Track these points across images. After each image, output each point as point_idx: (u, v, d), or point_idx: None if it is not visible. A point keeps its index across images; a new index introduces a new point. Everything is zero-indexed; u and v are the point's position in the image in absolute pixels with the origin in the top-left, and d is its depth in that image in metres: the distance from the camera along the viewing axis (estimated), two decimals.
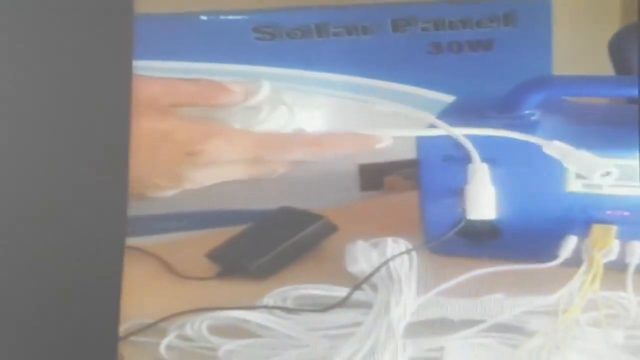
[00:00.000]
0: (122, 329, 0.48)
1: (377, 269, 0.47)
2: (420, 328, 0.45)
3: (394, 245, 0.50)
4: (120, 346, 0.44)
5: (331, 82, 0.70)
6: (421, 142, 0.55)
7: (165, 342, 0.46)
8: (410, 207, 0.56)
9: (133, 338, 0.47)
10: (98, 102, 0.32)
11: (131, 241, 0.57)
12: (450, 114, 0.57)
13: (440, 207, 0.54)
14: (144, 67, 0.64)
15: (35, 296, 0.35)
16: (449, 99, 0.69)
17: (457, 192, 0.52)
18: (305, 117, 0.46)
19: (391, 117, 0.60)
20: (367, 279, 0.48)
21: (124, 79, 0.31)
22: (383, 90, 0.72)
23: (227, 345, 0.45)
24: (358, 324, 0.45)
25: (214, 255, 0.57)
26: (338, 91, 0.70)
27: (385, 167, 0.73)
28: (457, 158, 0.52)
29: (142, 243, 0.59)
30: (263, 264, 0.55)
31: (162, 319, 0.48)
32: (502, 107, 0.54)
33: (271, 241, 0.56)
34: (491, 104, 0.55)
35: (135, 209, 0.61)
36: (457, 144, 0.50)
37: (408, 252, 0.49)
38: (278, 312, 0.47)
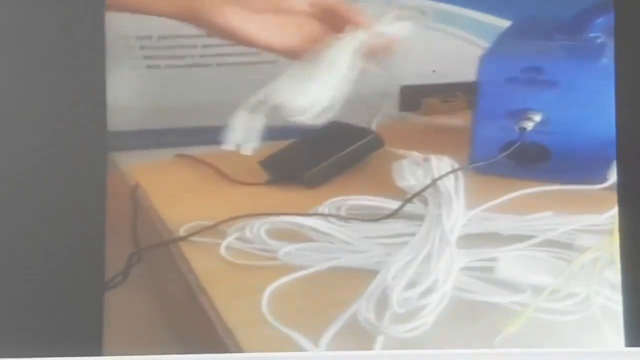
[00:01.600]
0: (184, 229, 0.50)
1: (431, 184, 0.49)
2: (471, 240, 0.47)
3: (439, 163, 0.51)
4: (182, 245, 0.47)
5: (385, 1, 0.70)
6: (485, 61, 0.55)
7: (225, 243, 0.48)
8: (449, 129, 0.57)
9: (194, 238, 0.49)
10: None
11: (184, 150, 0.59)
12: (511, 37, 0.57)
13: (495, 128, 0.55)
14: None
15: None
16: (502, 22, 0.69)
17: (515, 113, 0.54)
18: None
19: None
20: (420, 192, 0.49)
21: None
22: (436, 12, 0.72)
23: (285, 248, 0.47)
24: (411, 234, 0.46)
25: (267, 163, 0.58)
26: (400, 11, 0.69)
27: (425, 89, 0.73)
28: (521, 80, 0.53)
29: (195, 152, 0.60)
30: (314, 173, 0.56)
31: (222, 222, 0.49)
32: (568, 30, 0.55)
33: (322, 152, 0.57)
34: (555, 27, 0.56)
35: (187, 120, 0.63)
36: (523, 67, 0.51)
37: (459, 169, 0.50)
38: (333, 219, 0.49)
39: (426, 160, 0.52)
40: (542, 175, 0.54)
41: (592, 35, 0.55)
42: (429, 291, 0.42)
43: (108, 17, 0.58)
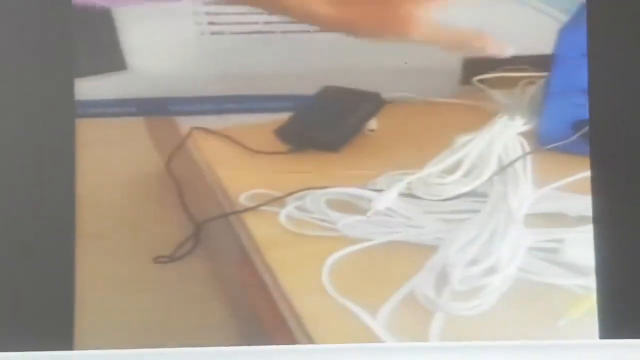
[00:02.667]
0: (243, 197, 0.50)
1: (503, 169, 0.47)
2: (537, 220, 0.45)
3: (508, 137, 0.50)
4: (242, 216, 0.46)
5: None
6: (563, 35, 0.53)
7: (285, 211, 0.48)
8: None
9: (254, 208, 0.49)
10: None
11: (196, 120, 0.59)
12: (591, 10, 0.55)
13: (566, 104, 0.53)
14: None
15: None
16: None
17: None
18: None
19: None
20: (497, 173, 0.48)
21: None
22: None
23: (345, 219, 0.46)
24: (475, 211, 0.45)
25: (282, 133, 0.57)
26: None
27: (488, 62, 0.72)
28: None
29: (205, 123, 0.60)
30: (334, 136, 0.56)
31: (289, 193, 0.49)
32: None
33: (333, 116, 0.57)
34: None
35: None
36: None
37: (531, 153, 0.49)
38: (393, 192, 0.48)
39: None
40: None
41: None
42: (491, 270, 0.41)
43: None
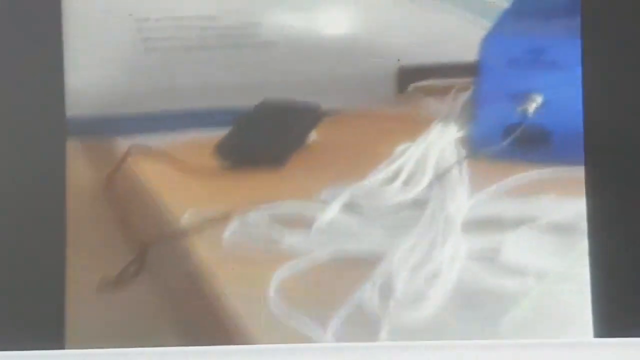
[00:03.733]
0: (185, 216, 0.50)
1: (442, 174, 0.48)
2: (475, 225, 0.47)
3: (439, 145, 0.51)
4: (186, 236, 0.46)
5: None
6: (486, 43, 0.55)
7: (228, 230, 0.48)
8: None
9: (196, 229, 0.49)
10: None
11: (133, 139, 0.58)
12: (512, 17, 0.57)
13: (495, 110, 0.54)
14: None
15: None
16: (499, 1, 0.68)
17: (517, 96, 0.53)
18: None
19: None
20: (441, 176, 0.48)
21: None
22: None
23: (290, 235, 0.47)
24: (416, 220, 0.46)
25: (223, 149, 0.57)
26: None
27: (424, 70, 0.73)
28: (523, 61, 0.52)
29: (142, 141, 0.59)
30: (277, 152, 0.56)
31: (230, 210, 0.49)
32: (568, 10, 0.54)
33: (273, 131, 0.57)
34: (555, 6, 0.55)
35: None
36: (524, 47, 0.51)
37: (464, 159, 0.50)
38: (335, 205, 0.49)
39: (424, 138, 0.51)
40: (542, 157, 0.54)
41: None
42: (434, 277, 0.42)
43: None
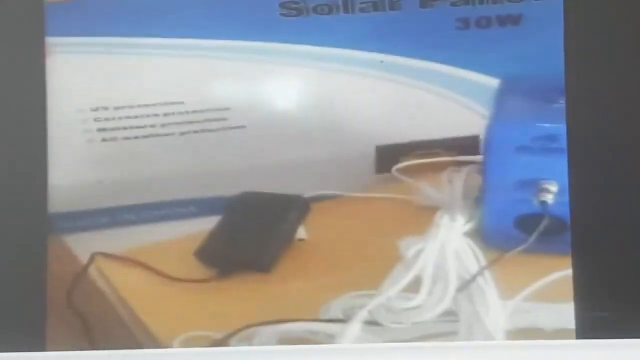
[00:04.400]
0: (176, 343, 0.44)
1: (469, 282, 0.44)
2: (514, 337, 0.42)
3: (456, 242, 0.47)
4: None
5: (357, 59, 0.67)
6: (493, 129, 0.51)
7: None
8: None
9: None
10: None
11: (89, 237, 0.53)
12: (508, 99, 0.54)
13: (507, 200, 0.51)
14: (166, 45, 0.59)
15: None
16: (478, 77, 0.66)
17: (528, 184, 0.50)
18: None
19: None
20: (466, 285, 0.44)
21: None
22: (410, 69, 0.69)
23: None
24: (448, 334, 0.41)
25: (205, 255, 0.51)
26: (367, 70, 0.67)
27: (402, 148, 0.70)
28: (533, 149, 0.49)
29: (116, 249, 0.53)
30: (265, 255, 0.50)
31: (230, 334, 0.43)
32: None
33: (258, 229, 0.52)
34: (549, 87, 0.53)
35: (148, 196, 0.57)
36: (533, 135, 0.48)
37: (489, 265, 0.46)
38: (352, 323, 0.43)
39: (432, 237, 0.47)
40: (559, 248, 0.50)
41: None
42: None
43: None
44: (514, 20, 0.69)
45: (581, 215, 0.49)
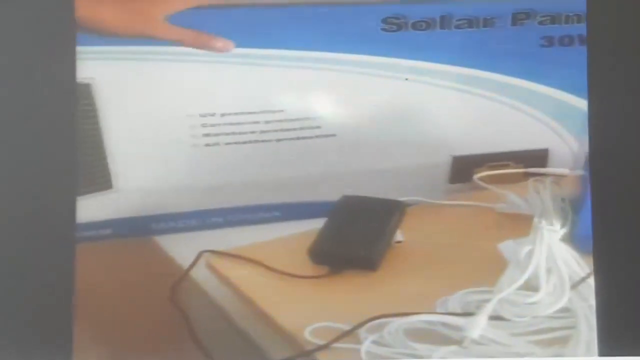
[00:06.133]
0: (307, 332, 0.46)
1: (581, 281, 0.46)
2: None
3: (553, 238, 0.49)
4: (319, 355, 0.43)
5: (447, 73, 0.69)
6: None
7: (364, 347, 0.45)
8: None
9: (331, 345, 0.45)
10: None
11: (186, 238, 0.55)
12: None
13: None
14: (271, 56, 0.62)
15: None
16: (558, 94, 0.69)
17: None
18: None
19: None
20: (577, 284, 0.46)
21: None
22: (495, 84, 0.72)
23: (439, 352, 0.44)
24: (566, 328, 0.44)
25: (317, 253, 0.54)
26: (454, 83, 0.70)
27: (477, 159, 0.72)
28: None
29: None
30: (374, 254, 0.53)
31: (360, 324, 0.46)
32: None
33: (364, 230, 0.55)
34: None
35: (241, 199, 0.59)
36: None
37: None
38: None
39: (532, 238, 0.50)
40: None
41: None
42: None
43: None
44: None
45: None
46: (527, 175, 0.62)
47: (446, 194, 0.65)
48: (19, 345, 0.48)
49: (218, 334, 0.50)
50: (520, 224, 0.52)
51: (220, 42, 0.53)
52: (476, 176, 0.64)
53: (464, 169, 0.73)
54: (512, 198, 0.59)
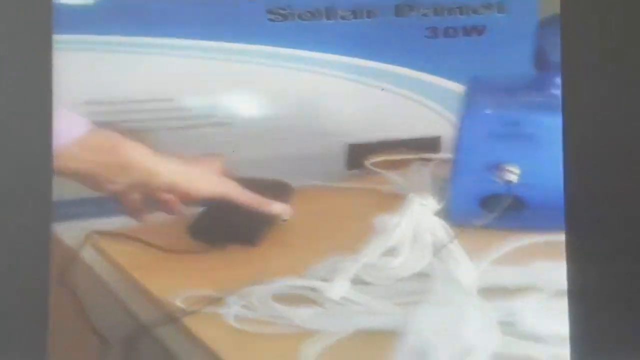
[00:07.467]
0: (179, 300, 0.47)
1: (443, 247, 0.49)
2: (488, 294, 0.47)
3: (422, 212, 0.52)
4: (185, 322, 0.44)
5: (336, 63, 0.72)
6: (467, 115, 0.57)
7: (233, 312, 0.46)
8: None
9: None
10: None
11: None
12: (478, 94, 0.60)
13: (473, 181, 0.56)
14: (159, 44, 0.63)
15: None
16: (445, 82, 0.72)
17: (493, 166, 0.55)
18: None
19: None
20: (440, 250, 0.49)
21: None
22: (383, 73, 0.74)
23: (302, 313, 0.45)
24: (424, 292, 0.46)
25: (196, 230, 0.55)
26: (343, 73, 0.72)
27: (373, 146, 0.75)
28: (503, 135, 0.55)
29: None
30: (254, 229, 0.55)
31: (227, 291, 0.47)
32: (532, 87, 0.58)
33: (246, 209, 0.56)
34: (517, 85, 0.58)
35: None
36: (505, 122, 0.53)
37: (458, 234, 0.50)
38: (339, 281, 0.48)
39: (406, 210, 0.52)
40: (517, 224, 0.56)
41: (553, 92, 0.58)
42: (470, 348, 0.41)
43: None
44: (479, 30, 0.76)
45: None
46: (422, 161, 0.64)
47: (343, 179, 0.67)
48: None
49: (105, 310, 0.50)
50: (401, 203, 0.55)
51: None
52: (368, 162, 0.66)
53: (359, 155, 0.75)
54: (396, 180, 0.61)
